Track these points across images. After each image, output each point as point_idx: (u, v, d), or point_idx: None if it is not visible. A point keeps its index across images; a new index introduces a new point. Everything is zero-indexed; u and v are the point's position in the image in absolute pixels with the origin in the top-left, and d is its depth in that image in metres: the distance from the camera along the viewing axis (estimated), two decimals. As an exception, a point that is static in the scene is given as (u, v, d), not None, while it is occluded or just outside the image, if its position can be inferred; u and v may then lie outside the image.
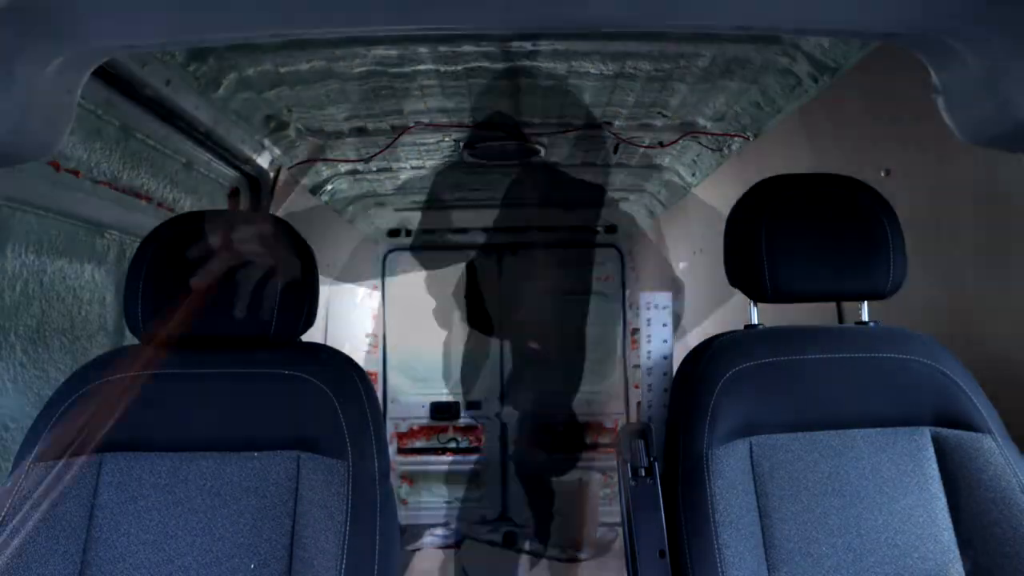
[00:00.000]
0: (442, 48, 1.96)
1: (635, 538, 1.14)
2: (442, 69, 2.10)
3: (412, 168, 3.18)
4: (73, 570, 1.04)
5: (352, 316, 4.37)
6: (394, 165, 3.08)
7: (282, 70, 2.03)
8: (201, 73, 1.96)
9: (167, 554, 1.06)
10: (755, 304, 1.30)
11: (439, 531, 4.33)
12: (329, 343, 1.40)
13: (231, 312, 1.15)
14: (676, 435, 1.20)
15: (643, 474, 1.19)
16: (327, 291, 3.90)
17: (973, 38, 1.05)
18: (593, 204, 3.20)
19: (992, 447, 1.13)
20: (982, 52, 1.04)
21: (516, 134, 2.68)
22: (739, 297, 1.32)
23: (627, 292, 4.46)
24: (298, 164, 2.86)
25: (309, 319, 1.21)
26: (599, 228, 4.53)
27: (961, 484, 1.14)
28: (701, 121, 2.59)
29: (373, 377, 4.41)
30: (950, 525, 1.13)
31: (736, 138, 2.61)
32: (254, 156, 2.53)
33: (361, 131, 2.65)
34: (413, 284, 4.50)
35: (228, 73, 2.02)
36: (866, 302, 1.29)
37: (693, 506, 1.11)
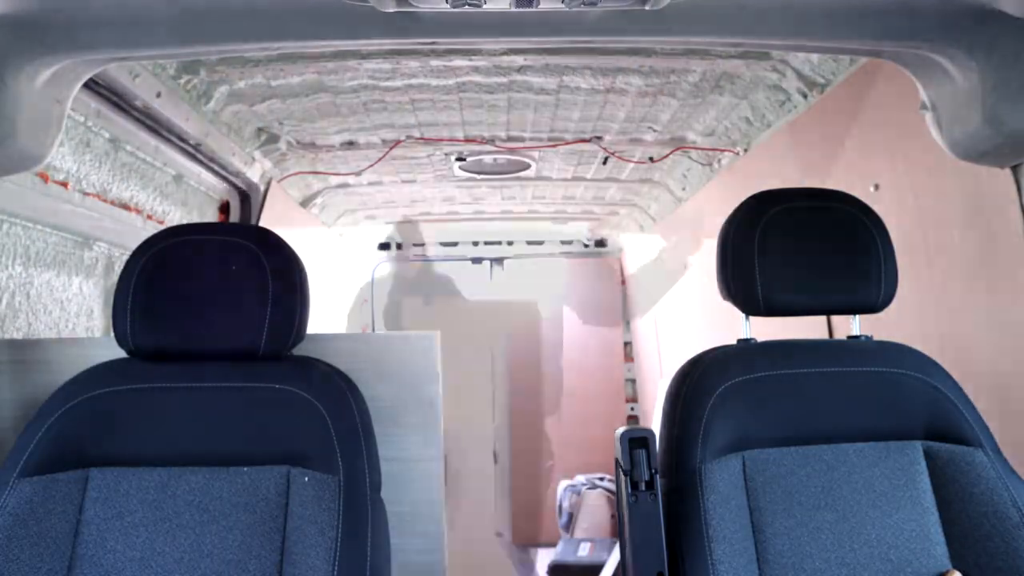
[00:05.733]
0: (433, 62, 1.97)
1: (634, 558, 1.12)
2: (433, 83, 2.11)
3: (403, 182, 3.19)
4: None
5: (342, 329, 4.36)
6: (385, 179, 3.08)
7: (273, 83, 2.03)
8: (192, 85, 1.95)
9: (154, 571, 1.04)
10: (748, 318, 1.30)
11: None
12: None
13: (220, 325, 1.14)
14: (669, 450, 1.19)
15: (643, 488, 1.13)
16: (317, 304, 3.89)
17: (960, 55, 1.06)
18: None
19: (984, 461, 1.14)
20: (969, 68, 1.06)
21: (506, 148, 2.69)
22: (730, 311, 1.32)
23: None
24: (288, 177, 2.85)
25: (300, 333, 1.20)
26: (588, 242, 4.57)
27: (954, 498, 1.14)
28: (691, 136, 2.60)
29: None
30: (943, 539, 1.13)
31: (726, 153, 2.62)
32: (244, 169, 2.52)
33: (352, 144, 2.65)
34: (403, 297, 4.50)
35: (219, 86, 2.02)
36: (857, 316, 1.30)
37: (686, 521, 1.10)
